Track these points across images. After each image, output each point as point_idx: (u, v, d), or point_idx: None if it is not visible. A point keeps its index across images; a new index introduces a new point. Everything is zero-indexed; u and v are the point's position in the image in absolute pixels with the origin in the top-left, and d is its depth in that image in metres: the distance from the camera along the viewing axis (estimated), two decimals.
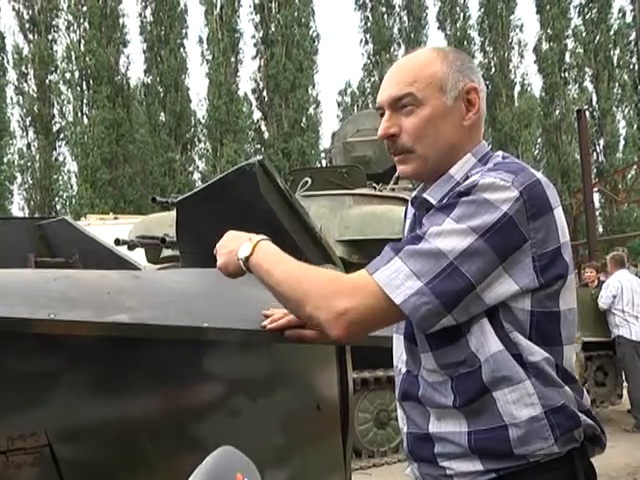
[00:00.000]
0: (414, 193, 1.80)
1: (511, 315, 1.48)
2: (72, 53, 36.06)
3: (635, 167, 36.23)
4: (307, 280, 1.56)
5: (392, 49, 43.20)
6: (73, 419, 1.88)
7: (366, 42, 43.17)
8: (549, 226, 1.48)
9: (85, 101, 36.40)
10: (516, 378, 1.49)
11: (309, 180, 7.62)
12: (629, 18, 44.43)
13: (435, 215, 1.50)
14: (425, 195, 1.65)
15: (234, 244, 1.72)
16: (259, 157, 2.37)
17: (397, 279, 1.44)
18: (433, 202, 1.60)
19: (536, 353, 1.49)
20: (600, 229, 37.12)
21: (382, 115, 1.69)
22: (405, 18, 43.55)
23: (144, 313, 1.78)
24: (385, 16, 43.17)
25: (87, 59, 35.75)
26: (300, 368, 2.37)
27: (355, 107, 42.14)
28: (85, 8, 36.40)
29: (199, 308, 1.94)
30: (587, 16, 43.73)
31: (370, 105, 40.08)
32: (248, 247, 1.68)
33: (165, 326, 1.81)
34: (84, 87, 36.41)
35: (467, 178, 1.58)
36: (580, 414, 1.52)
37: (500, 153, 1.65)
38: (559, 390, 1.51)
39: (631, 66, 44.97)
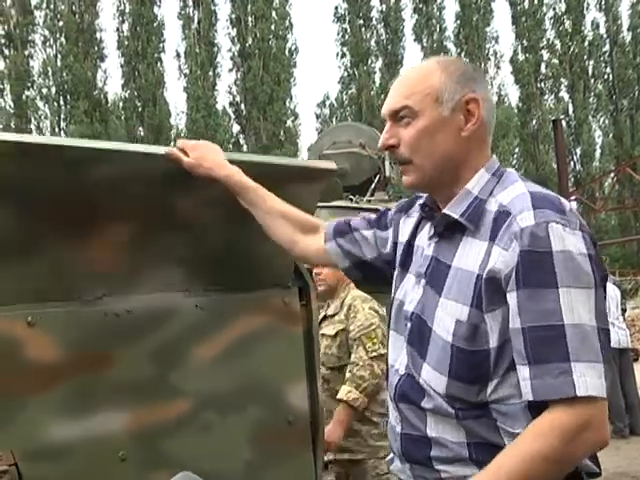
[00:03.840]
0: (421, 200, 1.79)
1: None
2: (49, 68, 36.01)
3: (612, 175, 36.64)
4: (534, 452, 1.41)
5: (369, 61, 43.41)
6: (41, 438, 1.88)
7: (343, 55, 43.35)
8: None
9: (62, 116, 36.34)
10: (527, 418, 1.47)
11: None
12: (602, 29, 45.02)
13: (534, 287, 1.44)
14: (446, 210, 1.63)
15: None
16: None
17: (590, 377, 1.40)
18: (455, 216, 1.59)
19: None
20: None
21: None
22: (382, 30, 43.79)
23: None
24: (362, 29, 43.38)
25: (64, 74, 35.69)
26: (270, 383, 2.38)
27: (334, 119, 42.22)
28: (61, 23, 36.37)
29: None
30: (561, 28, 44.20)
31: (349, 118, 40.22)
32: None
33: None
34: (61, 102, 36.35)
35: (490, 194, 1.60)
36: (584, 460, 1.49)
37: (513, 171, 1.67)
38: None
39: (606, 76, 45.48)
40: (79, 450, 1.93)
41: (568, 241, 1.44)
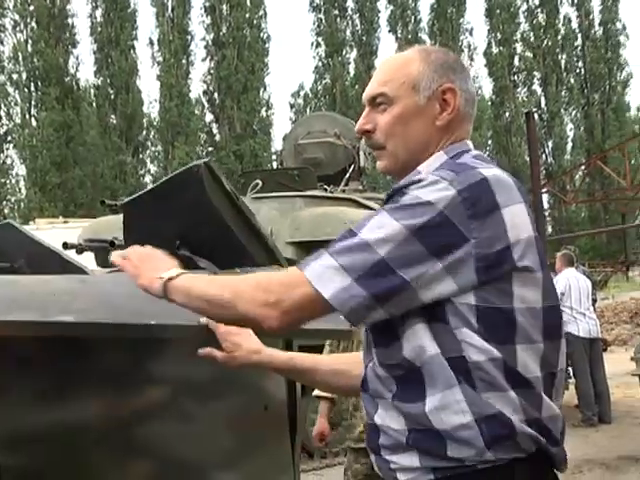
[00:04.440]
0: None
1: (455, 310, 1.45)
2: (19, 53, 35.49)
3: (582, 168, 37.02)
4: (235, 282, 1.59)
5: (344, 52, 43.38)
6: (16, 426, 1.86)
7: (318, 45, 43.28)
8: (495, 226, 1.45)
9: (33, 103, 35.86)
10: (445, 384, 1.45)
11: (259, 182, 7.61)
12: (575, 24, 45.39)
13: (376, 211, 1.51)
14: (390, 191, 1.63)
15: (160, 264, 1.71)
16: (206, 159, 2.38)
17: (326, 274, 1.44)
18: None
19: (483, 351, 1.44)
20: (549, 229, 37.79)
21: None
22: (357, 21, 43.79)
23: (90, 314, 1.78)
24: (337, 19, 43.33)
25: (35, 60, 35.22)
26: (247, 369, 2.37)
27: (308, 109, 42.18)
28: (32, 7, 35.83)
29: (147, 308, 1.93)
30: (534, 21, 44.51)
31: (322, 108, 40.18)
32: (174, 271, 1.66)
33: (111, 324, 1.80)
34: (32, 88, 35.88)
35: None
36: (519, 424, 1.44)
37: (473, 153, 1.63)
38: (500, 395, 1.45)
39: (578, 70, 45.88)
40: (57, 438, 1.92)
41: (428, 189, 1.45)
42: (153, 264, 1.71)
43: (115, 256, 1.74)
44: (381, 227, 1.44)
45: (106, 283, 2.25)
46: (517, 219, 1.48)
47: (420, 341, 1.48)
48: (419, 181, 1.47)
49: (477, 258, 1.43)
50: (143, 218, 2.53)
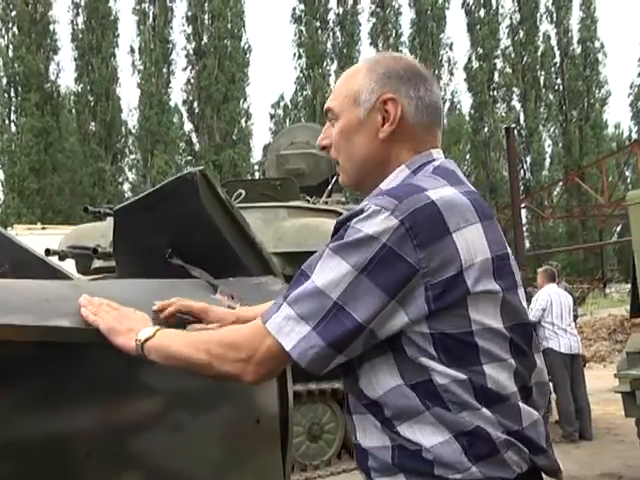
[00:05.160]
0: None
1: (411, 341, 1.42)
2: (0, 59, 35.25)
3: (560, 184, 37.33)
4: (206, 342, 1.57)
5: (325, 64, 43.51)
6: (5, 435, 1.81)
7: (299, 56, 43.40)
8: (445, 252, 1.39)
9: (13, 108, 35.62)
10: (414, 412, 1.43)
11: (242, 192, 7.56)
12: (554, 42, 45.88)
13: (325, 248, 1.46)
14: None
15: (133, 323, 1.71)
16: (200, 167, 2.34)
17: (287, 326, 1.42)
18: None
19: (445, 375, 1.41)
20: (527, 244, 38.02)
21: None
22: (338, 33, 43.96)
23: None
24: (319, 31, 43.49)
25: (15, 65, 35.03)
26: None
27: (287, 120, 42.26)
28: (14, 13, 35.65)
29: None
30: (516, 37, 44.94)
31: (302, 119, 40.24)
32: (150, 330, 1.66)
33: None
34: (12, 94, 35.64)
35: None
36: (499, 436, 1.41)
37: (435, 164, 1.57)
38: (474, 412, 1.41)
39: (556, 87, 46.35)
40: (45, 446, 1.87)
41: (369, 221, 1.39)
42: (128, 323, 1.71)
43: (85, 312, 1.72)
44: (330, 269, 1.41)
45: (100, 290, 2.20)
46: (471, 242, 1.43)
47: (379, 374, 1.47)
48: (362, 211, 1.42)
49: (426, 287, 1.39)
50: (134, 226, 2.48)
